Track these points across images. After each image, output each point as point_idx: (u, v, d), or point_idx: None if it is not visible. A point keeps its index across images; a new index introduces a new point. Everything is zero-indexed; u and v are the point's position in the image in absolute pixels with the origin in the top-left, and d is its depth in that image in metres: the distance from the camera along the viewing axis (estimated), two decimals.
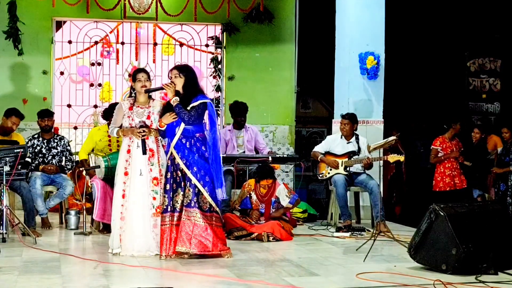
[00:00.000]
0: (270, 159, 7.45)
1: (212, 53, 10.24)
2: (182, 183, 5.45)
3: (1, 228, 6.13)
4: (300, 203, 7.48)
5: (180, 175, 5.46)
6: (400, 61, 10.85)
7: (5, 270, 4.89)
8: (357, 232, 6.90)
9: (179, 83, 5.53)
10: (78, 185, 7.71)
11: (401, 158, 6.81)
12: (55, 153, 7.47)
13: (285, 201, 6.85)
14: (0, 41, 9.36)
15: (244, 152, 7.89)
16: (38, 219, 7.13)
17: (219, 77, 10.14)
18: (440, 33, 11.57)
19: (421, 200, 8.98)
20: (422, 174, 9.50)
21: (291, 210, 7.29)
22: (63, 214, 7.54)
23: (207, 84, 10.36)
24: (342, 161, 7.46)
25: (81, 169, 7.70)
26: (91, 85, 10.14)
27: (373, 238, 5.80)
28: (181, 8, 9.43)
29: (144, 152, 5.61)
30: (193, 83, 5.57)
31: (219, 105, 10.01)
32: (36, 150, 7.37)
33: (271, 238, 6.46)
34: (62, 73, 9.91)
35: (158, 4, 9.43)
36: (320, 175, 7.68)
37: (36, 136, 7.51)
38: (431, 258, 4.94)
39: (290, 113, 10.19)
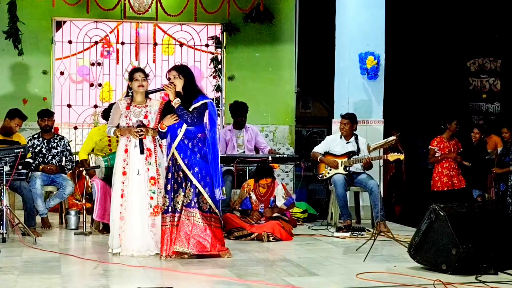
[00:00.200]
0: (270, 159, 7.45)
1: (212, 53, 10.25)
2: (183, 184, 5.44)
3: (1, 228, 6.13)
4: (294, 207, 7.48)
5: (181, 175, 5.45)
6: (400, 61, 10.85)
7: (5, 270, 4.89)
8: (357, 232, 6.90)
9: (179, 84, 5.51)
10: (78, 185, 7.71)
11: (401, 156, 6.82)
12: (55, 153, 7.47)
13: (280, 202, 6.85)
14: (0, 41, 9.36)
15: (244, 152, 7.89)
16: (38, 219, 7.13)
17: (219, 77, 10.14)
18: (440, 33, 11.57)
19: (421, 200, 8.99)
20: (422, 174, 9.49)
21: (290, 211, 7.28)
22: (63, 214, 7.54)
23: (207, 84, 10.36)
24: (342, 161, 7.47)
25: (81, 169, 7.70)
26: (91, 85, 10.14)
27: (373, 238, 5.80)
28: (181, 8, 9.43)
29: (142, 152, 5.61)
30: (192, 83, 5.56)
31: (219, 105, 10.02)
32: (36, 150, 7.37)
33: (271, 238, 6.46)
34: (62, 73, 9.92)
35: (158, 4, 9.43)
36: (320, 176, 7.68)
37: (36, 136, 7.51)
38: (431, 258, 4.94)
39: (290, 113, 10.20)
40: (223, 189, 5.50)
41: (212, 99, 6.65)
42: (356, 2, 8.44)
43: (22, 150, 6.29)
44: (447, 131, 8.71)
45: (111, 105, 7.32)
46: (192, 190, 5.41)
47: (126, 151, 5.67)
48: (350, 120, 7.61)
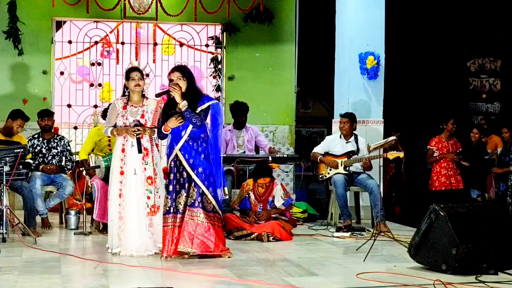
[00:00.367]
0: (270, 159, 7.45)
1: (212, 53, 10.25)
2: (186, 185, 5.43)
3: (1, 228, 6.13)
4: (293, 207, 7.48)
5: (185, 176, 5.44)
6: (400, 61, 10.86)
7: (5, 270, 4.89)
8: (357, 232, 6.90)
9: (183, 85, 5.48)
10: (78, 185, 7.71)
11: (401, 154, 6.82)
12: (55, 153, 7.47)
13: (279, 202, 6.85)
14: (0, 41, 9.37)
15: (244, 152, 7.89)
16: (38, 219, 7.13)
17: (219, 77, 10.14)
18: (440, 33, 11.57)
19: (420, 200, 8.99)
20: (422, 174, 9.50)
21: (290, 211, 7.28)
22: (63, 214, 7.54)
23: (207, 84, 10.37)
24: (342, 161, 7.47)
25: (81, 169, 7.70)
26: (91, 85, 10.14)
27: (373, 238, 5.80)
28: (181, 8, 9.43)
29: (140, 151, 5.60)
30: (194, 84, 5.56)
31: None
32: (36, 150, 7.37)
33: (271, 238, 6.46)
34: (62, 73, 9.92)
35: (158, 4, 9.43)
36: (320, 176, 7.68)
37: (36, 136, 7.51)
38: (431, 258, 4.94)
39: (290, 113, 10.20)
40: (225, 189, 5.50)
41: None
42: (356, 2, 8.43)
43: (22, 150, 6.29)
44: (445, 131, 8.72)
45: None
46: (196, 190, 5.41)
47: (123, 150, 5.66)
48: (350, 119, 7.61)
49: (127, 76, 5.74)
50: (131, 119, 5.67)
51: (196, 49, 10.25)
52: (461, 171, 8.72)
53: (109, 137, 6.86)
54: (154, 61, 10.30)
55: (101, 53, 10.33)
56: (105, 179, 6.62)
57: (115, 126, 5.75)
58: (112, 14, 9.51)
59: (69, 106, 9.92)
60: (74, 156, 7.83)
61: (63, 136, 7.77)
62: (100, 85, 10.13)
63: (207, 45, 10.26)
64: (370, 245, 5.63)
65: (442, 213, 4.86)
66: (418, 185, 10.02)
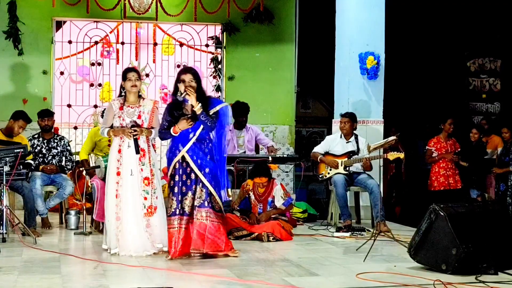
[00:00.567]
0: (270, 159, 7.45)
1: (212, 53, 10.25)
2: (193, 186, 5.43)
3: (1, 228, 6.13)
4: (293, 208, 7.47)
5: (192, 177, 5.44)
6: (400, 61, 10.86)
7: (5, 270, 4.89)
8: (357, 232, 6.90)
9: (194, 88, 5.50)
10: (78, 185, 7.71)
11: (401, 155, 6.82)
12: (55, 153, 7.47)
13: (279, 202, 6.84)
14: (0, 41, 9.37)
15: (244, 152, 7.90)
16: (38, 219, 7.13)
17: (219, 77, 10.14)
18: (440, 33, 11.57)
19: (420, 200, 8.99)
20: (422, 174, 9.50)
21: (290, 211, 7.28)
22: (63, 214, 7.54)
23: (207, 84, 10.35)
24: (342, 161, 7.47)
25: (81, 169, 7.70)
26: (91, 85, 10.14)
27: (373, 238, 5.80)
28: (181, 8, 9.44)
29: (137, 152, 5.58)
30: (201, 86, 5.57)
31: None
32: (36, 150, 7.37)
33: (271, 238, 6.46)
34: (62, 73, 9.92)
35: (158, 4, 9.44)
36: (320, 176, 7.68)
37: (36, 136, 7.51)
38: (431, 258, 4.94)
39: (290, 113, 10.20)
40: (228, 191, 5.54)
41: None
42: (356, 2, 8.44)
43: (22, 150, 6.29)
44: (443, 131, 8.73)
45: None
46: (204, 190, 5.42)
47: (119, 151, 5.64)
48: (351, 118, 7.62)
49: (124, 77, 5.72)
50: (128, 119, 5.66)
51: (196, 49, 10.25)
52: (460, 171, 8.72)
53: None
54: (154, 61, 10.30)
55: (101, 53, 10.33)
56: (105, 179, 6.61)
57: (111, 127, 5.73)
58: (112, 14, 9.51)
59: (69, 106, 9.92)
60: (74, 156, 7.83)
61: (63, 136, 7.77)
62: (100, 85, 10.13)
63: (207, 45, 10.26)
64: (370, 245, 5.63)
65: (442, 213, 4.86)
66: (418, 185, 10.02)
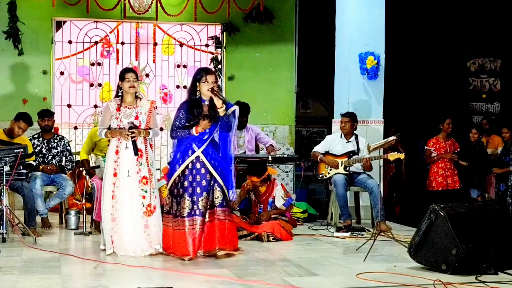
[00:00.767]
0: (270, 159, 7.45)
1: (212, 53, 10.25)
2: (209, 186, 5.46)
3: (1, 228, 6.12)
4: (293, 208, 7.47)
5: (208, 178, 5.46)
6: (400, 61, 10.86)
7: (5, 270, 4.89)
8: (357, 232, 6.90)
9: None
10: (78, 185, 7.71)
11: (401, 156, 6.82)
12: (55, 153, 7.47)
13: (279, 203, 6.84)
14: (0, 41, 9.37)
15: (244, 152, 7.90)
16: (38, 219, 7.13)
17: (219, 77, 10.14)
18: (440, 33, 11.57)
19: (420, 200, 9.00)
20: (422, 174, 9.50)
21: (290, 211, 7.28)
22: (63, 214, 7.54)
23: None
24: (342, 161, 7.47)
25: (81, 169, 7.70)
26: (91, 85, 10.14)
27: (373, 238, 5.80)
28: (181, 8, 9.45)
29: (136, 153, 5.55)
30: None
31: None
32: (36, 150, 7.36)
33: (271, 238, 6.46)
34: (62, 73, 9.92)
35: (158, 4, 9.44)
36: (320, 176, 7.68)
37: (36, 136, 7.51)
38: (431, 258, 4.94)
39: (290, 113, 10.20)
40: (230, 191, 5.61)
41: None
42: (356, 2, 8.43)
43: (22, 150, 6.28)
44: (442, 131, 8.74)
45: None
46: (219, 190, 5.48)
47: (117, 152, 5.61)
48: (351, 118, 7.62)
49: (122, 77, 5.68)
50: (125, 121, 5.62)
51: (196, 49, 10.25)
52: (460, 172, 8.73)
53: None
54: (154, 61, 10.30)
55: (101, 53, 10.33)
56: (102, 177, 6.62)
57: (109, 128, 5.70)
58: (112, 14, 9.51)
59: (69, 106, 9.92)
60: (74, 156, 7.83)
61: (63, 136, 7.77)
62: (100, 85, 10.13)
63: (207, 45, 10.26)
64: (370, 245, 5.63)
65: (442, 213, 4.86)
66: (418, 185, 10.02)
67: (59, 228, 7.41)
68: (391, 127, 9.73)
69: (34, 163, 7.16)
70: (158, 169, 8.15)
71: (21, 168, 6.43)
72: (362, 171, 7.50)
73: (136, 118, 5.65)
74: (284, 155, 8.13)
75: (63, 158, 7.53)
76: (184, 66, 10.28)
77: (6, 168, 6.15)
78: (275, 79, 10.10)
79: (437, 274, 4.73)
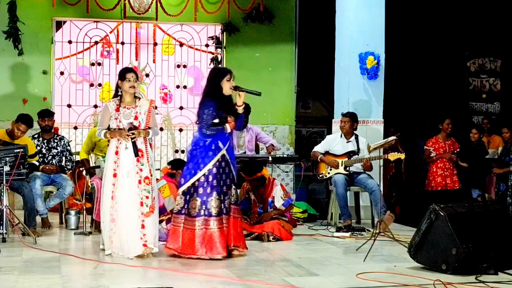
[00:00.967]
0: (270, 159, 7.45)
1: (212, 53, 10.25)
2: (231, 184, 5.54)
3: (1, 228, 6.12)
4: (293, 208, 7.46)
5: (230, 177, 5.52)
6: (400, 61, 10.85)
7: (5, 270, 4.89)
8: (357, 232, 6.90)
9: None
10: (78, 185, 7.71)
11: (402, 156, 6.83)
12: (55, 153, 7.47)
13: (279, 203, 6.84)
14: (0, 41, 9.37)
15: (245, 152, 7.89)
16: (38, 219, 7.12)
17: None
18: (440, 33, 11.57)
19: (420, 200, 8.99)
20: (422, 174, 9.50)
21: (290, 211, 7.28)
22: (63, 214, 7.54)
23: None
24: (342, 161, 7.47)
25: (81, 169, 7.70)
26: (91, 85, 10.14)
27: (373, 238, 5.80)
28: (181, 8, 9.45)
29: (136, 154, 5.51)
30: None
31: None
32: (36, 150, 7.35)
33: (271, 238, 6.46)
34: (62, 73, 9.92)
35: (158, 4, 9.45)
36: (320, 176, 7.69)
37: (36, 136, 7.51)
38: (431, 258, 4.94)
39: (290, 113, 10.20)
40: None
41: None
42: (356, 2, 8.43)
43: (22, 150, 6.28)
44: (441, 131, 8.75)
45: None
46: (234, 187, 5.56)
47: (116, 153, 5.57)
48: (351, 118, 7.62)
49: (122, 77, 5.62)
50: (125, 121, 5.57)
51: (196, 49, 10.25)
52: (459, 172, 8.73)
53: None
54: (154, 61, 10.30)
55: (101, 53, 10.33)
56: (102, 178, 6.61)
57: (108, 128, 5.66)
58: (112, 14, 9.52)
59: (69, 106, 9.92)
60: (74, 156, 7.83)
61: (63, 136, 7.77)
62: (100, 85, 10.13)
63: (207, 45, 10.26)
64: (370, 245, 5.63)
65: (442, 213, 4.86)
66: (418, 185, 10.02)
67: (59, 228, 7.41)
68: (391, 127, 9.73)
69: (37, 163, 7.17)
70: (158, 169, 8.14)
71: (21, 168, 6.42)
72: (362, 171, 7.50)
73: (136, 118, 5.61)
74: (284, 155, 8.12)
75: (63, 158, 7.53)
76: (184, 66, 10.29)
77: (6, 168, 6.15)
78: (275, 79, 10.10)
79: (437, 274, 4.73)
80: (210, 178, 5.42)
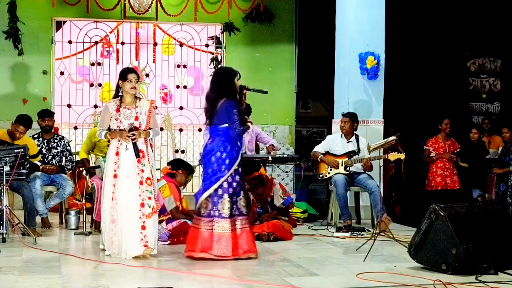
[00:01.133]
0: (270, 159, 7.45)
1: (212, 53, 10.25)
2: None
3: (1, 228, 6.12)
4: (294, 206, 7.46)
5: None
6: (400, 61, 10.84)
7: (5, 270, 4.89)
8: (357, 232, 6.90)
9: None
10: (78, 185, 7.70)
11: (402, 156, 6.83)
12: (55, 153, 7.47)
13: (278, 202, 6.85)
14: (0, 41, 9.37)
15: (245, 152, 7.88)
16: (38, 219, 7.13)
17: None
18: (440, 33, 11.56)
19: (420, 200, 8.99)
20: (422, 174, 9.51)
21: (290, 210, 7.28)
22: (63, 214, 7.54)
23: (207, 84, 10.34)
24: (342, 161, 7.47)
25: (81, 169, 7.70)
26: (91, 85, 10.14)
27: (373, 238, 5.80)
28: (181, 8, 9.45)
29: (137, 155, 5.49)
30: None
31: None
32: (38, 150, 7.35)
33: (271, 238, 6.45)
34: (62, 73, 9.92)
35: (158, 4, 9.45)
36: (320, 176, 7.68)
37: (36, 136, 7.51)
38: (431, 258, 4.94)
39: (290, 113, 10.20)
40: None
41: None
42: (356, 2, 8.43)
43: (22, 150, 6.28)
44: (441, 132, 8.75)
45: None
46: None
47: (117, 153, 5.55)
48: (351, 118, 7.62)
49: (124, 77, 5.59)
50: (125, 122, 5.55)
51: (196, 49, 10.25)
52: (459, 172, 8.73)
53: None
54: (154, 61, 10.30)
55: (101, 53, 10.33)
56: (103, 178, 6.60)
57: (109, 128, 5.64)
58: (112, 14, 9.52)
59: (69, 106, 9.92)
60: (74, 156, 7.83)
61: (63, 136, 7.77)
62: (100, 85, 10.13)
63: (207, 45, 10.26)
64: (370, 245, 5.63)
65: (442, 213, 4.86)
66: (418, 185, 10.02)
67: (59, 228, 7.42)
68: (391, 127, 9.73)
69: (39, 164, 7.17)
70: (158, 169, 8.14)
71: (21, 168, 6.42)
72: (362, 171, 7.50)
73: (136, 118, 5.59)
74: (284, 155, 8.13)
75: (63, 158, 7.53)
76: (184, 66, 10.28)
77: (6, 168, 6.15)
78: (275, 79, 10.10)
79: (437, 274, 4.73)
80: (236, 177, 5.45)
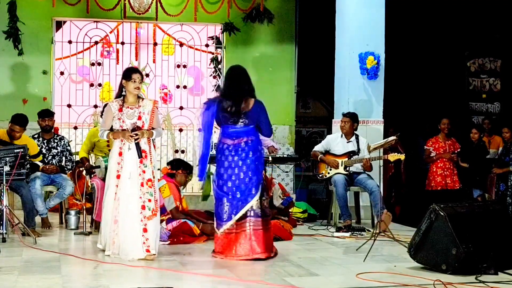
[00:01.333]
0: (270, 159, 7.44)
1: (212, 53, 10.25)
2: None
3: (1, 228, 6.12)
4: (294, 206, 7.45)
5: None
6: (400, 61, 10.85)
7: (5, 270, 4.89)
8: (357, 232, 6.90)
9: None
10: (78, 185, 7.70)
11: (402, 156, 6.83)
12: (55, 153, 7.47)
13: (278, 202, 6.85)
14: (0, 41, 9.37)
15: None
16: (38, 219, 7.13)
17: (219, 77, 10.14)
18: (440, 33, 11.56)
19: (420, 200, 9.00)
20: (422, 174, 9.51)
21: (290, 210, 7.28)
22: (63, 214, 7.54)
23: (207, 84, 10.37)
24: (342, 161, 7.47)
25: (81, 169, 7.70)
26: (91, 85, 10.13)
27: (373, 238, 5.80)
28: (181, 8, 9.45)
29: (140, 156, 5.45)
30: None
31: None
32: (39, 150, 7.35)
33: None
34: (62, 73, 9.92)
35: (158, 4, 9.45)
36: (320, 176, 7.68)
37: (36, 136, 7.51)
38: (431, 258, 4.94)
39: (290, 113, 10.19)
40: None
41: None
42: (356, 2, 8.43)
43: (22, 150, 6.28)
44: (441, 132, 8.76)
45: None
46: None
47: (120, 154, 5.50)
48: (351, 118, 7.63)
49: (128, 76, 5.54)
50: (128, 122, 5.51)
51: (196, 49, 10.25)
52: (460, 172, 8.73)
53: None
54: (154, 61, 10.29)
55: (101, 53, 10.33)
56: (105, 179, 6.59)
57: (111, 128, 5.62)
58: (112, 14, 9.52)
59: (69, 106, 9.92)
60: (74, 156, 7.82)
61: (63, 136, 7.77)
62: (100, 85, 10.13)
63: (207, 45, 10.26)
64: (370, 245, 5.64)
65: (442, 213, 4.86)
66: (418, 185, 10.03)
67: (59, 228, 7.41)
68: (391, 127, 9.73)
69: (40, 164, 7.16)
70: (158, 169, 8.13)
71: (21, 168, 6.42)
72: (362, 171, 7.50)
73: (139, 118, 5.55)
74: (284, 155, 8.13)
75: (63, 158, 7.53)
76: (184, 66, 10.28)
77: (6, 168, 6.15)
78: (275, 79, 10.09)
79: (437, 274, 4.73)
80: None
